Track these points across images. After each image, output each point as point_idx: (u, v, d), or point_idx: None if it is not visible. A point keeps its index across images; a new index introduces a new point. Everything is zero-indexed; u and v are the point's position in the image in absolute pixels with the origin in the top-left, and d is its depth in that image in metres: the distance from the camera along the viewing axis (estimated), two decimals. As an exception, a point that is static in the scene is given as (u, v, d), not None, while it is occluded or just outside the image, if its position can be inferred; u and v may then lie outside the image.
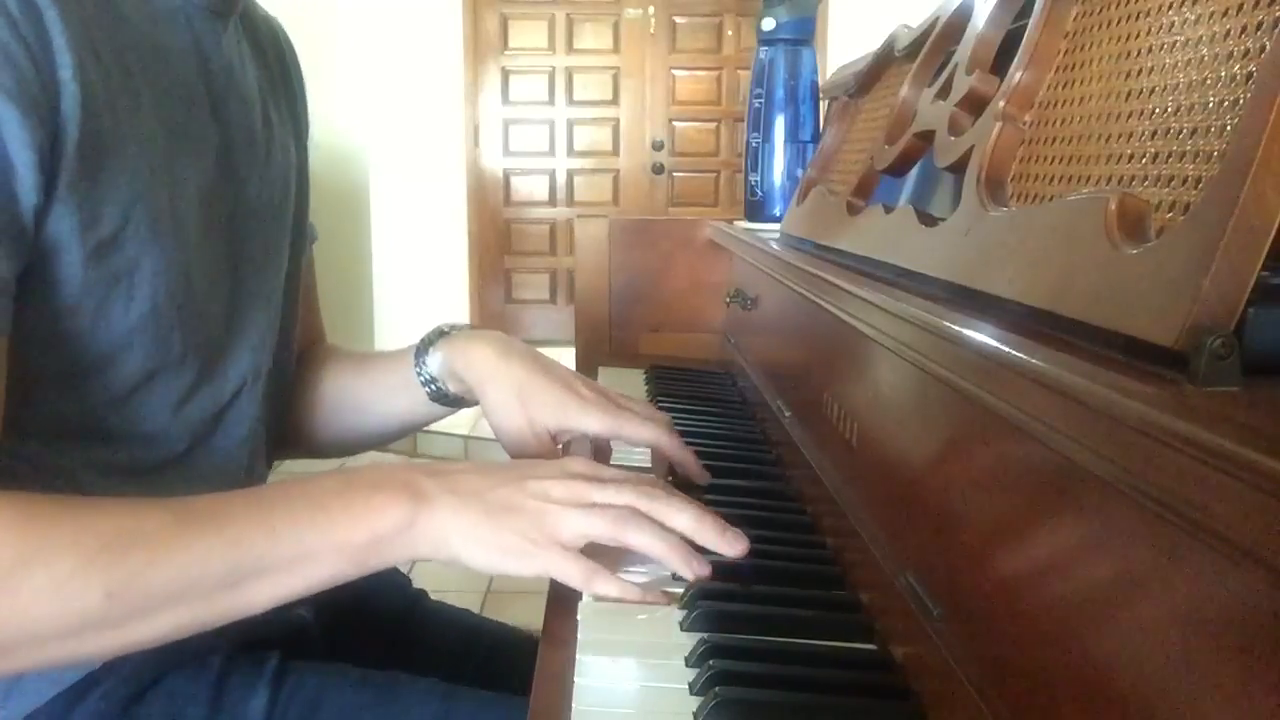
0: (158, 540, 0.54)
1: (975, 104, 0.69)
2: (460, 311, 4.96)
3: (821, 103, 1.37)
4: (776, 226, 1.24)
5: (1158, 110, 0.48)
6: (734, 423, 1.07)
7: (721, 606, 0.61)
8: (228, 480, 0.73)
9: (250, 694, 0.68)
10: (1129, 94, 0.51)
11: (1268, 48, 0.40)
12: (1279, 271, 0.37)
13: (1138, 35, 0.52)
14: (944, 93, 0.75)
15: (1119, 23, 0.55)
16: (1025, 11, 0.67)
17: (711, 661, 0.54)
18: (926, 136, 0.77)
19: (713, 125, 5.23)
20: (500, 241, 5.30)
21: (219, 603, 0.56)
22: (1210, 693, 0.30)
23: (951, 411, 0.54)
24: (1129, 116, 0.50)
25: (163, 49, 0.66)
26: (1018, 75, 0.62)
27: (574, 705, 0.52)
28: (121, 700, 0.66)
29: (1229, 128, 0.41)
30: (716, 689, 0.52)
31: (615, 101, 5.21)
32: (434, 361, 0.83)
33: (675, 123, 5.23)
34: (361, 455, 0.95)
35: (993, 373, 0.45)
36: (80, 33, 0.57)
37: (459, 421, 3.85)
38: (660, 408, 1.09)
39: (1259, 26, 0.41)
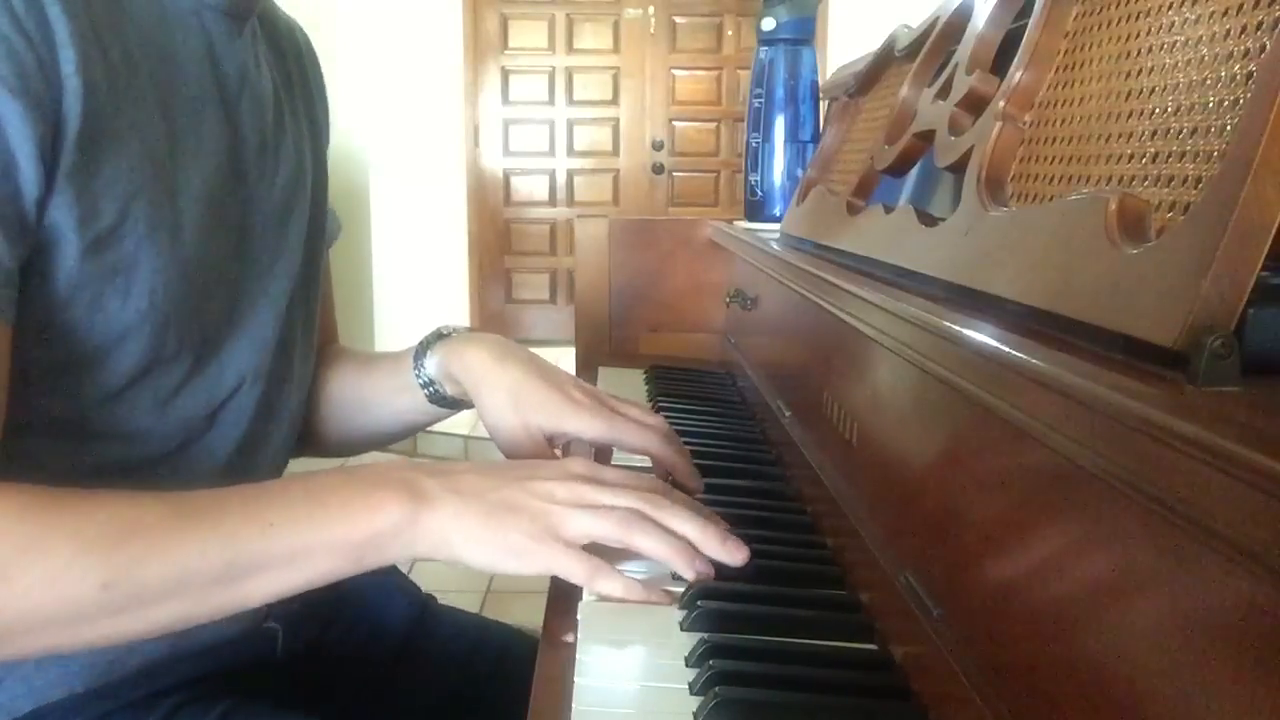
0: (156, 532, 0.54)
1: (975, 104, 0.69)
2: (460, 312, 4.96)
3: (821, 103, 1.37)
4: (776, 226, 1.24)
5: (1158, 110, 0.48)
6: (734, 423, 1.07)
7: (721, 606, 0.61)
8: (221, 481, 0.73)
9: None
10: (1129, 94, 0.51)
11: (1268, 48, 0.40)
12: (1279, 271, 0.37)
13: (1138, 35, 0.52)
14: (944, 93, 0.75)
15: (1119, 23, 0.55)
16: (1025, 11, 0.67)
17: (711, 661, 0.54)
18: (926, 136, 0.77)
19: (713, 125, 5.23)
20: (500, 241, 5.30)
21: (216, 596, 0.56)
22: (1210, 693, 0.30)
23: (951, 411, 0.54)
24: (1129, 116, 0.50)
25: (172, 49, 0.66)
26: (1018, 75, 0.62)
27: (574, 705, 0.51)
28: None
29: (1229, 128, 0.41)
30: (716, 689, 0.52)
31: (615, 101, 5.22)
32: (431, 364, 0.83)
33: (675, 123, 5.24)
34: (363, 455, 0.95)
35: (993, 373, 0.45)
36: (85, 28, 0.57)
37: (459, 421, 3.85)
38: (660, 408, 1.09)
39: (1259, 26, 0.41)
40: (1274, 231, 0.35)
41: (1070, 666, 0.39)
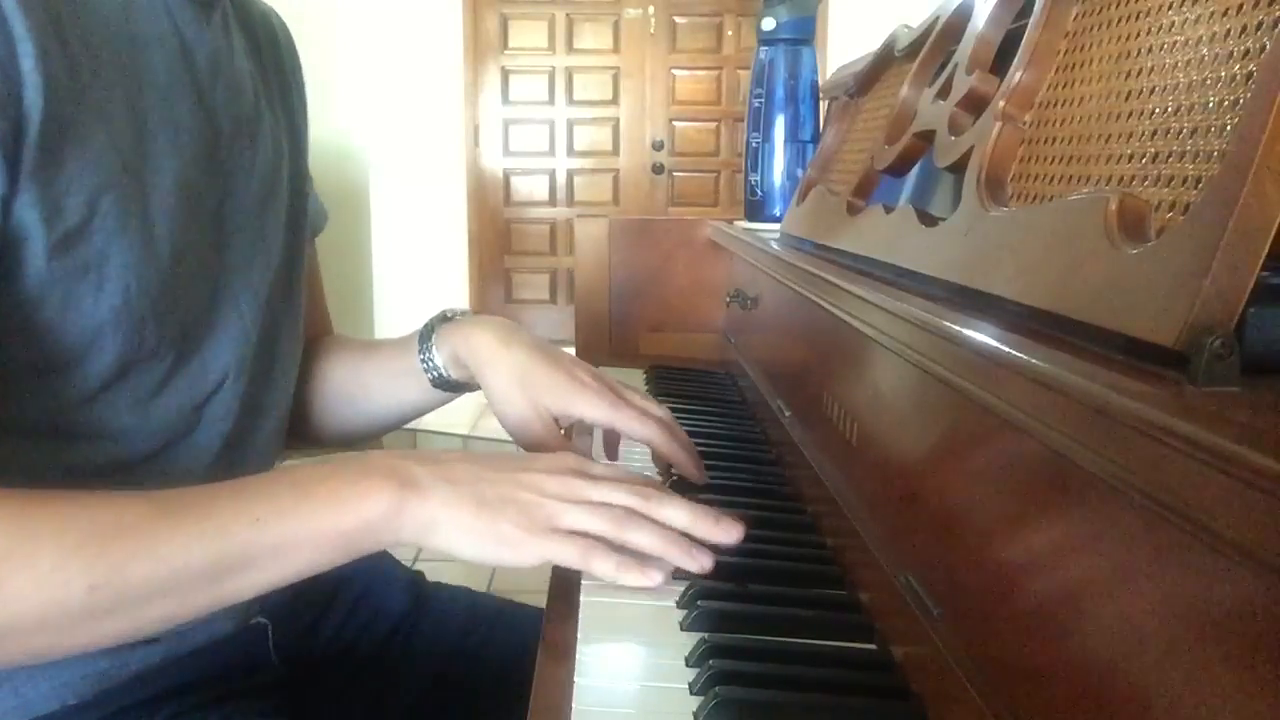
0: (141, 532, 0.54)
1: (975, 104, 0.69)
2: (460, 311, 4.95)
3: (821, 103, 1.37)
4: (776, 226, 1.24)
5: (1158, 110, 0.48)
6: (734, 423, 1.07)
7: (721, 606, 0.61)
8: (209, 478, 0.72)
9: None
10: (1129, 94, 0.51)
11: (1268, 48, 0.40)
12: (1279, 271, 0.37)
13: (1138, 35, 0.52)
14: (944, 93, 0.75)
15: (1119, 23, 0.55)
16: (1025, 11, 0.67)
17: (711, 661, 0.54)
18: (926, 136, 0.77)
19: (713, 125, 5.23)
20: (500, 241, 5.30)
21: (205, 592, 0.56)
22: (1210, 692, 0.30)
23: (951, 411, 0.54)
24: (1129, 116, 0.50)
25: (138, 38, 0.64)
26: (1018, 75, 0.62)
27: (574, 705, 0.52)
28: None
29: (1229, 128, 0.41)
30: (716, 689, 0.52)
31: (615, 101, 5.21)
32: (436, 348, 0.83)
33: (675, 123, 5.23)
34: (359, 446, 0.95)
35: (993, 373, 0.45)
36: (44, 20, 0.56)
37: (459, 421, 3.86)
38: (659, 407, 1.09)
39: (1259, 26, 0.41)
40: (1274, 231, 0.35)
41: (1070, 666, 0.39)
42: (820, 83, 1.38)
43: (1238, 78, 0.42)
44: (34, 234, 0.57)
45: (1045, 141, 0.59)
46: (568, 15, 5.10)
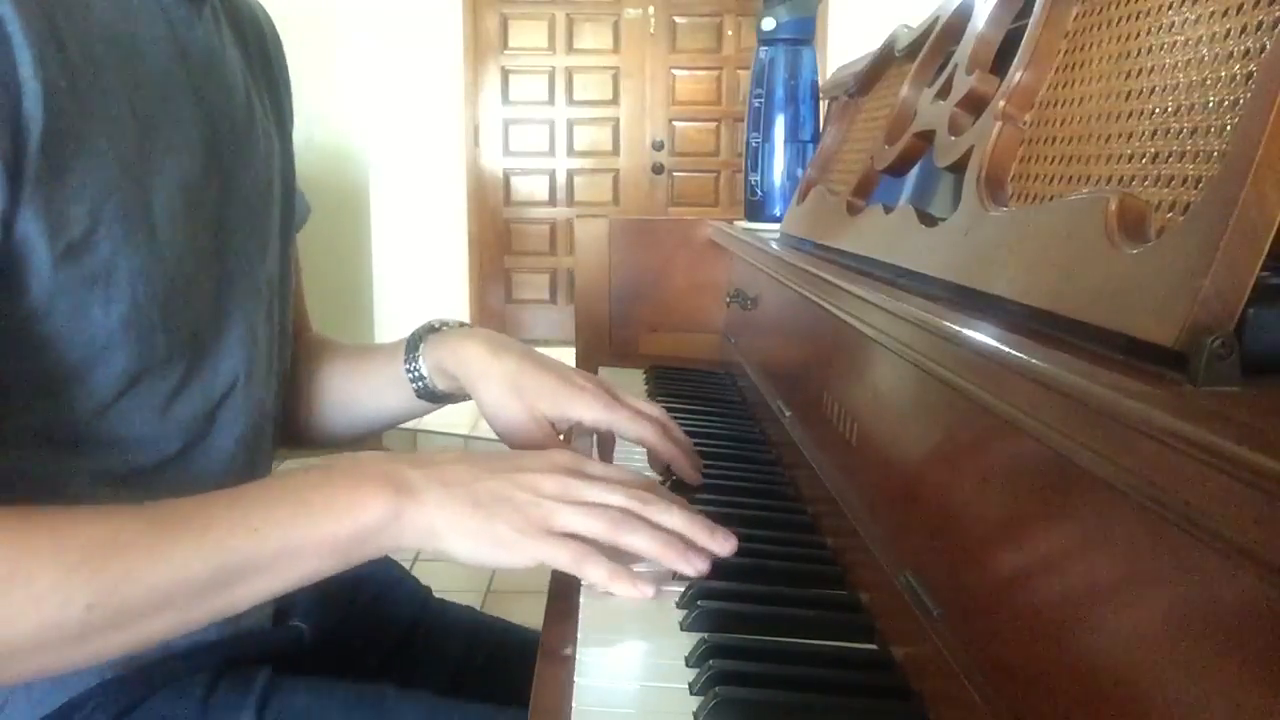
0: (138, 548, 0.53)
1: (975, 104, 0.69)
2: (460, 311, 4.95)
3: (821, 103, 1.37)
4: (776, 226, 1.24)
5: (1158, 110, 0.48)
6: (734, 423, 1.07)
7: (721, 606, 0.61)
8: (228, 480, 0.72)
9: (237, 714, 0.67)
10: (1129, 94, 0.51)
11: (1268, 48, 0.40)
12: (1279, 271, 0.37)
13: (1138, 35, 0.52)
14: (944, 93, 0.75)
15: (1119, 23, 0.55)
16: (1025, 11, 0.67)
17: (711, 661, 0.54)
18: (926, 136, 0.77)
19: (713, 125, 5.23)
20: (500, 241, 5.30)
21: (204, 605, 0.55)
22: (1210, 692, 0.30)
23: (951, 411, 0.54)
24: (1129, 116, 0.50)
25: (135, 38, 0.63)
26: (1018, 75, 0.62)
27: (574, 705, 0.52)
28: None
29: (1229, 128, 0.41)
30: (716, 689, 0.52)
31: (615, 101, 5.21)
32: (424, 359, 0.83)
33: (675, 123, 5.23)
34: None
35: (993, 373, 0.45)
36: (41, 26, 0.55)
37: (459, 421, 3.86)
38: (660, 407, 1.09)
39: (1259, 26, 0.42)
40: (1274, 231, 0.35)
41: (1070, 666, 0.39)
42: (820, 83, 1.38)
43: (1238, 78, 0.42)
44: (38, 247, 0.56)
45: (1045, 141, 0.59)
46: (568, 15, 5.10)
